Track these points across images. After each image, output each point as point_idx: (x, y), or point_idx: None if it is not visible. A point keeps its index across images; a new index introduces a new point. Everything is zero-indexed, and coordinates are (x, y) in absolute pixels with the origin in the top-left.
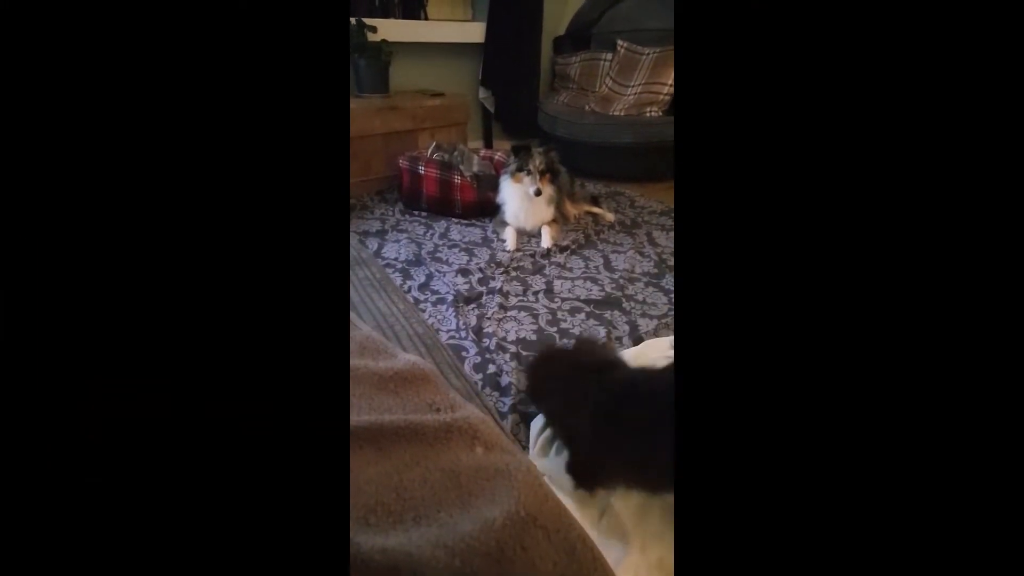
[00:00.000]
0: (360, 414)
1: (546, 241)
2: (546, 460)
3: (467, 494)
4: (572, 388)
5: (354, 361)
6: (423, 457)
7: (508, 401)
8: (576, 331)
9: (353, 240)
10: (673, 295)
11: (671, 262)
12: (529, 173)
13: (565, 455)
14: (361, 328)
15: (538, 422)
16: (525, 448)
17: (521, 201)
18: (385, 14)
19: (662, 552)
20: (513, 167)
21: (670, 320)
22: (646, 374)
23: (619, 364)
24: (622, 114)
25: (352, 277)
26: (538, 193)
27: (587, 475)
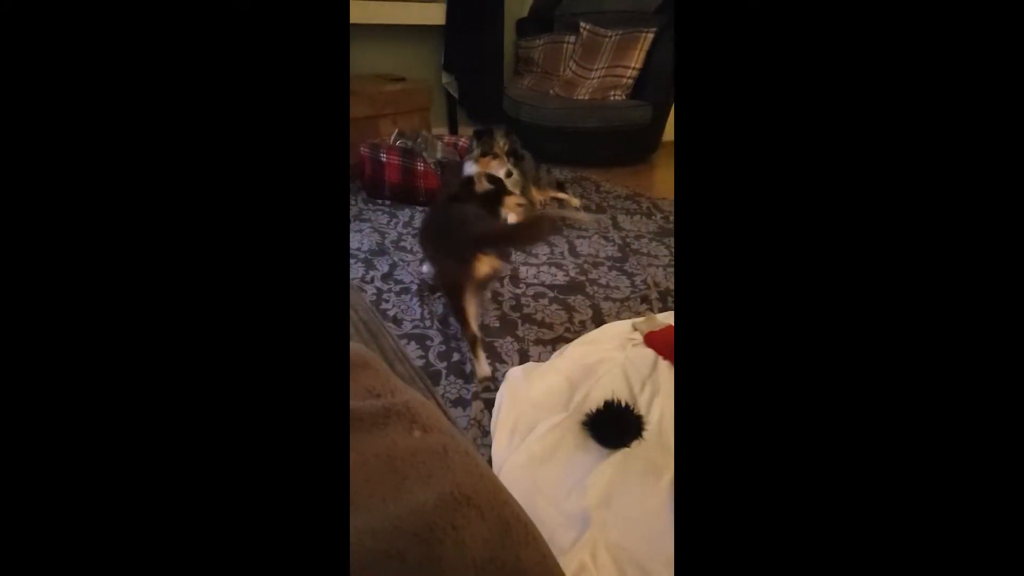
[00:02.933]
0: None
1: None
2: (509, 450)
3: (402, 478)
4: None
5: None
6: (359, 443)
7: (472, 388)
8: (540, 316)
9: None
10: (636, 279)
11: (635, 246)
12: (496, 156)
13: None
14: None
15: (500, 410)
16: (487, 435)
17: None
18: None
19: (620, 536)
20: (477, 152)
21: (632, 303)
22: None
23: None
24: (587, 98)
25: None
26: (509, 174)
27: None
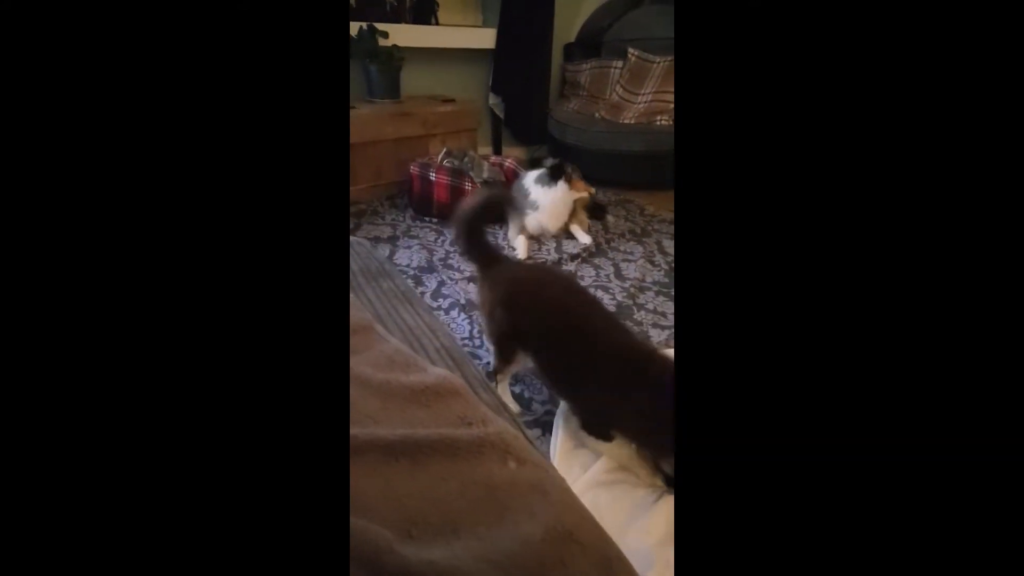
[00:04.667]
0: (394, 427)
1: (584, 237)
2: (569, 479)
3: (504, 509)
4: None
5: (385, 375)
6: (458, 471)
7: (523, 410)
8: None
9: (370, 249)
10: None
11: None
12: (582, 177)
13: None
14: (390, 341)
15: (557, 435)
16: (546, 459)
17: (560, 205)
18: (396, 19)
19: None
20: (574, 173)
21: None
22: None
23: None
24: (632, 122)
25: (376, 289)
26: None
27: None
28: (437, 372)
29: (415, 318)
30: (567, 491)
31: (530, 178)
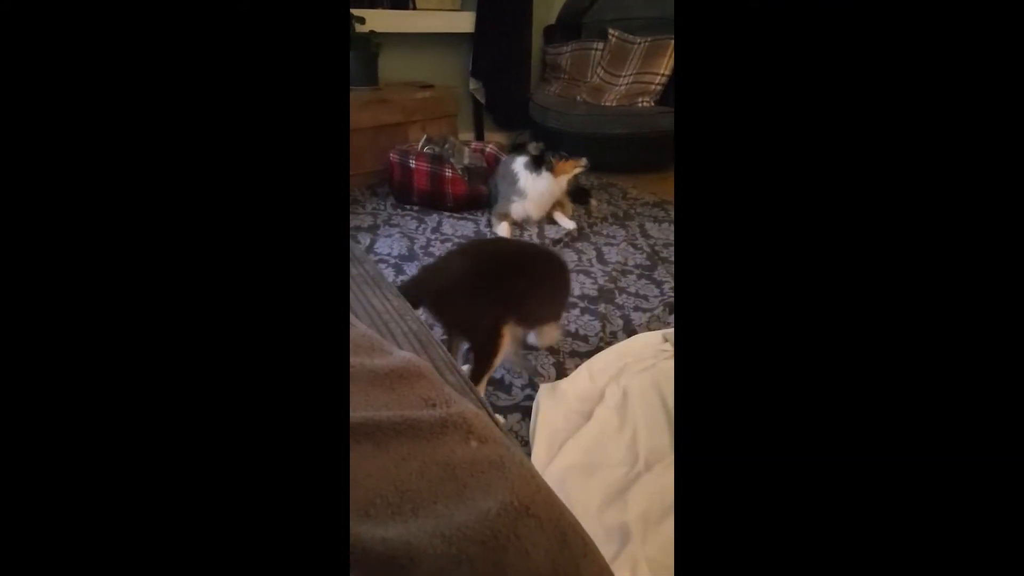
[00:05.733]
0: (356, 410)
1: (568, 223)
2: (548, 459)
3: (462, 486)
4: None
5: (350, 359)
6: (419, 451)
7: (502, 396)
8: (572, 327)
9: None
10: (665, 287)
11: (664, 254)
12: (565, 158)
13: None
14: (356, 326)
15: (536, 418)
16: (527, 444)
17: (547, 195)
18: (372, 4)
19: (661, 552)
20: (561, 157)
21: (660, 313)
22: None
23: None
24: (614, 104)
25: None
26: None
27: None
28: (402, 355)
29: (384, 303)
30: (527, 467)
31: (519, 163)
